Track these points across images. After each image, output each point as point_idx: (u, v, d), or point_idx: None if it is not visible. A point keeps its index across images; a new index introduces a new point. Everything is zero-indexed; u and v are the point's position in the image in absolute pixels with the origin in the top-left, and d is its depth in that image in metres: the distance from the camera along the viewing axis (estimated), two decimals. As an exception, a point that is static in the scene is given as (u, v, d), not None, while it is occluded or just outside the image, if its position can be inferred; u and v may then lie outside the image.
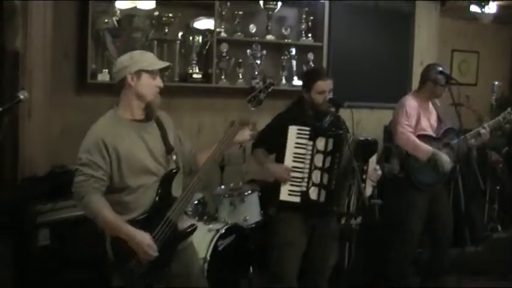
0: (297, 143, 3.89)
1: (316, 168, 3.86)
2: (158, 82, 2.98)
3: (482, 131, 4.69)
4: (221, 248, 4.32)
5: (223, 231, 4.35)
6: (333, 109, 3.92)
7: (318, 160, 3.86)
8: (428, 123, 4.77)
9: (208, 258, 4.14)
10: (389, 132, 5.88)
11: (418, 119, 4.70)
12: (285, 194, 3.90)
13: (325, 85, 3.94)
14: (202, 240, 4.23)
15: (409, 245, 4.87)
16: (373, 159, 4.02)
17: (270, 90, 3.27)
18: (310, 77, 4.01)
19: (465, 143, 4.68)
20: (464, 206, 4.48)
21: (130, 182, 2.88)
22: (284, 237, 3.96)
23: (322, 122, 3.97)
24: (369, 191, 3.98)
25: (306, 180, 3.87)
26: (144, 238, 2.81)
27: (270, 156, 4.08)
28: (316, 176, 3.86)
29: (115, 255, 2.88)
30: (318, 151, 3.85)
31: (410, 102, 4.74)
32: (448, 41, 7.13)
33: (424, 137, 4.68)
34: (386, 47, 6.54)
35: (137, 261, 2.84)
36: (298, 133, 3.89)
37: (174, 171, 3.00)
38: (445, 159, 4.56)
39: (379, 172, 4.03)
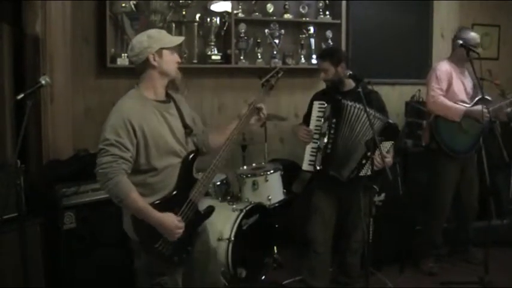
0: (317, 116, 4.03)
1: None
2: (177, 57, 3.04)
3: None
4: (245, 228, 4.33)
5: (246, 210, 4.35)
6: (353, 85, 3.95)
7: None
8: (463, 88, 4.75)
9: (232, 237, 4.15)
10: (411, 108, 5.86)
11: (450, 83, 4.69)
12: (305, 165, 4.06)
13: (319, 64, 4.16)
14: (227, 220, 4.24)
15: (440, 215, 4.87)
16: (385, 145, 3.88)
17: (279, 75, 3.34)
18: None
19: (500, 111, 4.63)
20: (490, 179, 4.44)
21: (156, 163, 2.89)
22: (311, 206, 4.19)
23: (344, 96, 3.96)
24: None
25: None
26: (172, 221, 2.84)
27: None
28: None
29: (141, 237, 2.88)
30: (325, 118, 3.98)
31: (442, 67, 4.74)
32: (469, 14, 6.99)
33: None
34: (406, 22, 6.46)
35: (164, 242, 2.87)
36: (319, 107, 4.03)
37: (195, 152, 3.05)
38: (479, 110, 4.45)
39: (388, 159, 3.84)
